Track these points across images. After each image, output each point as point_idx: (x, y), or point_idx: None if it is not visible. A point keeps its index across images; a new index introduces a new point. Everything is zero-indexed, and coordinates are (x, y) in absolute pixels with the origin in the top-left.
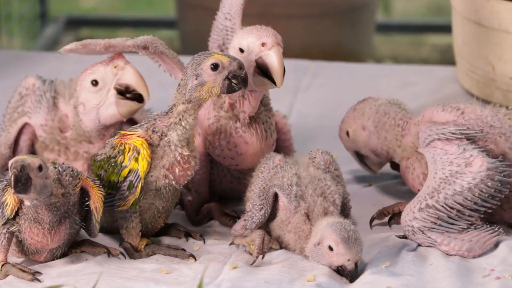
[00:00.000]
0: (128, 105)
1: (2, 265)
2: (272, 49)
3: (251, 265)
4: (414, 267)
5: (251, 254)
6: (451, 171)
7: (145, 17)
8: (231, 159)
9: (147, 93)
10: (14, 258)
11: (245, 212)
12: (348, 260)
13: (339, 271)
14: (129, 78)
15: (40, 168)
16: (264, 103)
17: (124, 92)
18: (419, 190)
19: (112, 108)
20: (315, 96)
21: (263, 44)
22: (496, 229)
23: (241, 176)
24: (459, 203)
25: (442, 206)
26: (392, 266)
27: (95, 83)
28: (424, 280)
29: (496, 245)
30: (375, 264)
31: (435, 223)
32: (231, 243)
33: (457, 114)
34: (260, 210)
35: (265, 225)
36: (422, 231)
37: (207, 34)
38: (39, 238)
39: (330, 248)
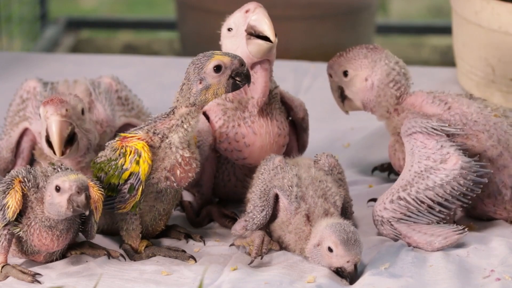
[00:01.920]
0: (51, 153)
1: (2, 267)
2: (255, 11)
3: (249, 265)
4: (413, 268)
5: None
6: (427, 166)
7: (145, 18)
8: (238, 152)
9: (59, 150)
10: (14, 258)
11: (246, 213)
12: (348, 261)
13: (339, 272)
14: (48, 129)
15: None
16: (278, 102)
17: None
18: (399, 171)
19: (44, 145)
20: (316, 98)
21: (247, 11)
22: (461, 228)
23: (246, 179)
24: (430, 198)
25: (413, 199)
26: (392, 267)
27: (40, 116)
28: (424, 281)
29: (496, 245)
30: (375, 266)
31: (404, 215)
32: (231, 245)
33: (444, 108)
34: (262, 212)
35: (266, 226)
36: (390, 222)
37: (207, 36)
38: (47, 242)
39: (330, 250)
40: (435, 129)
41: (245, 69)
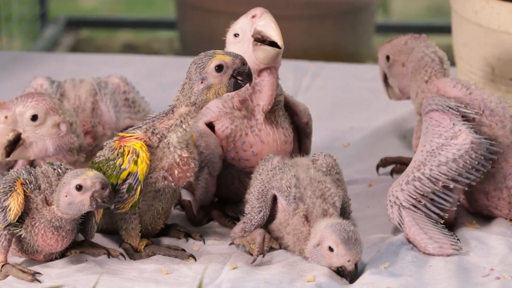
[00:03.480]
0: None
1: (2, 266)
2: (262, 16)
3: (251, 263)
4: (413, 267)
5: (251, 254)
6: (438, 144)
7: (145, 18)
8: (246, 161)
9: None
10: (14, 258)
11: (244, 214)
12: (348, 260)
13: (339, 271)
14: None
15: None
16: (282, 109)
17: None
18: (415, 151)
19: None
20: (315, 97)
21: (253, 17)
22: (460, 244)
23: (248, 181)
24: (444, 174)
25: (428, 178)
26: (392, 266)
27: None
28: (424, 281)
29: (496, 244)
30: (375, 265)
31: (419, 201)
32: (231, 243)
33: (465, 93)
34: (259, 213)
35: (265, 227)
36: (402, 206)
37: (207, 35)
38: (51, 242)
39: (330, 249)
40: (451, 107)
41: (247, 68)
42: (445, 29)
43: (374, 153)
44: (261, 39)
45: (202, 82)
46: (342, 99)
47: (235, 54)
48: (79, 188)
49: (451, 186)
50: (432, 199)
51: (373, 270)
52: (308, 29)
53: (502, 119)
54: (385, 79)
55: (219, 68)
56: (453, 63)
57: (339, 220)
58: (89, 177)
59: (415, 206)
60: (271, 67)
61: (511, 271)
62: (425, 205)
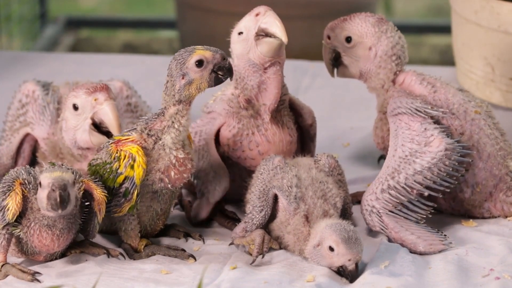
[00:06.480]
0: (100, 138)
1: (2, 266)
2: (266, 14)
3: (251, 264)
4: (413, 267)
5: (251, 254)
6: (411, 150)
7: (144, 17)
8: (251, 160)
9: (117, 133)
10: (13, 258)
11: (245, 214)
12: (349, 260)
13: (340, 271)
14: (104, 115)
15: (74, 182)
16: (287, 108)
17: (99, 124)
18: (377, 147)
19: (86, 135)
20: (315, 97)
21: (257, 15)
22: (448, 239)
23: (250, 180)
24: (418, 183)
25: (403, 187)
26: (392, 266)
27: (75, 107)
28: (424, 280)
29: (495, 244)
30: (375, 264)
31: (395, 207)
32: (231, 243)
33: (430, 91)
34: (260, 212)
35: (265, 226)
36: (380, 213)
37: (207, 35)
38: (47, 242)
39: (331, 249)
40: (418, 110)
41: (227, 63)
42: (445, 29)
43: (374, 153)
44: (265, 36)
45: (183, 78)
46: (342, 99)
47: (215, 49)
48: (40, 184)
49: (426, 194)
50: (407, 207)
51: (373, 270)
52: (308, 29)
53: (462, 124)
54: (336, 57)
55: (199, 63)
56: (453, 63)
57: (338, 220)
58: (50, 176)
59: (392, 212)
60: (276, 62)
61: (510, 271)
62: (401, 210)
